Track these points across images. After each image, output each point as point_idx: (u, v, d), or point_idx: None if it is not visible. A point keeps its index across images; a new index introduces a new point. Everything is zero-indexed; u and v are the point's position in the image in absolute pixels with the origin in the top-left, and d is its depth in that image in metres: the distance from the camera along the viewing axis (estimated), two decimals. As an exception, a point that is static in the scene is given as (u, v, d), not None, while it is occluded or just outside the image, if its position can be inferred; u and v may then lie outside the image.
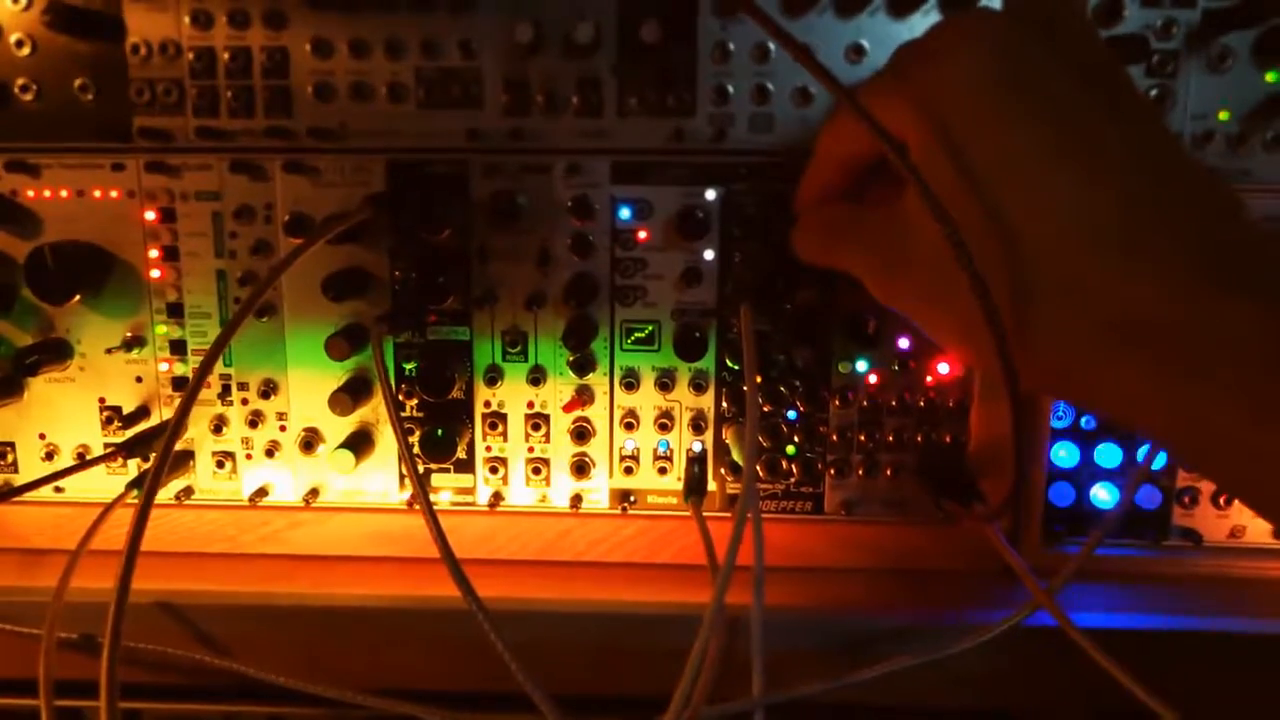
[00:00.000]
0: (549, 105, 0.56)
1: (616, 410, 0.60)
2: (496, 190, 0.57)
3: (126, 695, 0.53)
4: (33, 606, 0.51)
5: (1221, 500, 0.57)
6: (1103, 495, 0.57)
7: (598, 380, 0.59)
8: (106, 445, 0.61)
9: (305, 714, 0.53)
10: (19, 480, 0.61)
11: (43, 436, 0.61)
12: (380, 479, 0.61)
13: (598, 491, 0.61)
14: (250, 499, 0.61)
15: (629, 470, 0.60)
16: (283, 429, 0.61)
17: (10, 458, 0.62)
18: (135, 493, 0.56)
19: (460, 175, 0.57)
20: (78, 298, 0.57)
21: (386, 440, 0.60)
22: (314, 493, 0.61)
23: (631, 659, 0.51)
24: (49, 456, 0.61)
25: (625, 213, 0.57)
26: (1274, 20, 0.52)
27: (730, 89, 0.55)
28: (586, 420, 0.60)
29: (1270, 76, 0.53)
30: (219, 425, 0.61)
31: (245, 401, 0.60)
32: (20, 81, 0.56)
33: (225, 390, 0.60)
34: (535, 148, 0.56)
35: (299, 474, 0.61)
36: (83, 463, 0.59)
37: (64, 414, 0.61)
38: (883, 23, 0.54)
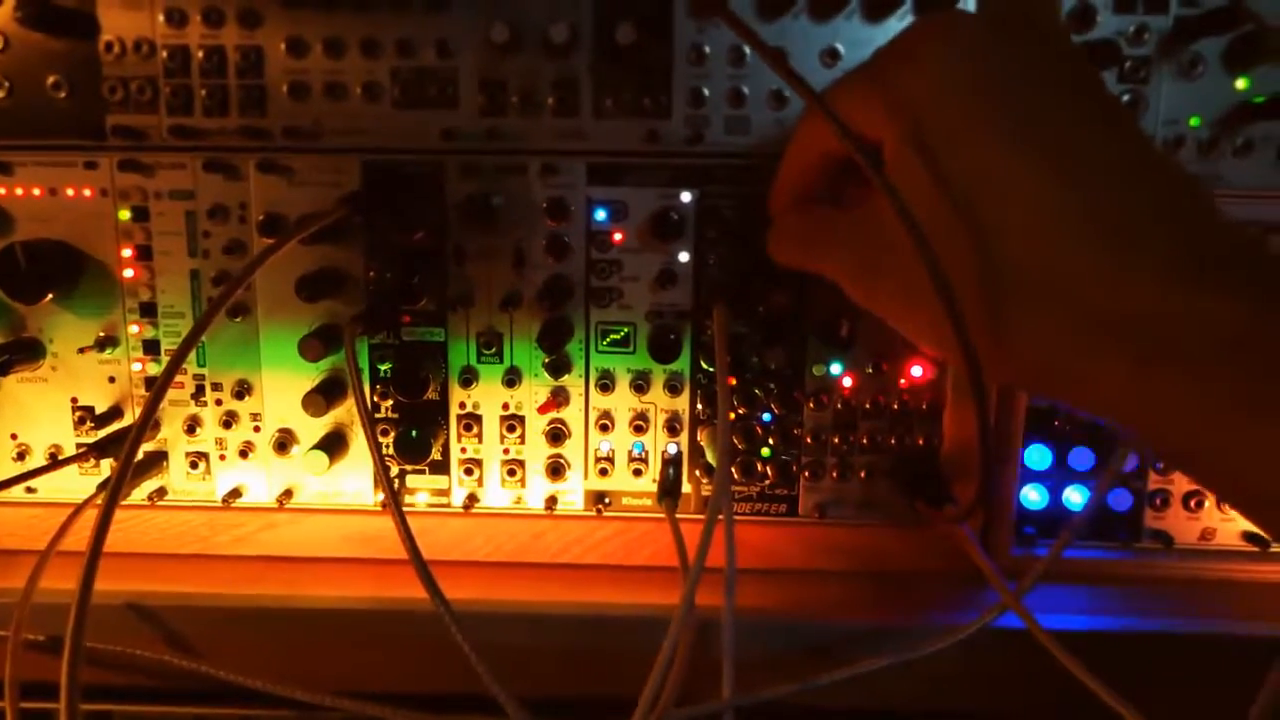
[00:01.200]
0: (525, 106, 0.56)
1: (592, 412, 0.60)
2: (472, 191, 0.56)
3: (96, 697, 0.52)
4: (1, 608, 0.51)
5: (1192, 503, 0.58)
6: (1075, 498, 0.58)
7: (573, 382, 0.59)
8: (79, 445, 0.60)
9: (276, 716, 0.53)
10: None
11: (14, 436, 0.61)
12: (355, 480, 0.61)
13: (573, 493, 0.61)
14: (224, 500, 0.61)
15: (604, 472, 0.60)
16: (257, 430, 0.60)
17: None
18: (117, 489, 0.56)
19: (435, 175, 0.57)
20: (50, 297, 0.57)
21: (361, 441, 0.60)
22: (288, 494, 0.61)
23: (606, 661, 0.51)
24: (20, 456, 0.61)
25: (601, 214, 0.57)
26: (1244, 27, 0.52)
27: (706, 91, 0.55)
28: (562, 422, 0.60)
29: (1241, 83, 0.53)
30: (192, 426, 0.60)
31: (219, 402, 0.60)
32: (-8, 77, 0.56)
33: (199, 390, 0.60)
34: (511, 148, 0.56)
35: (273, 475, 0.61)
36: (54, 463, 0.59)
37: (36, 414, 0.61)
38: (857, 26, 0.54)
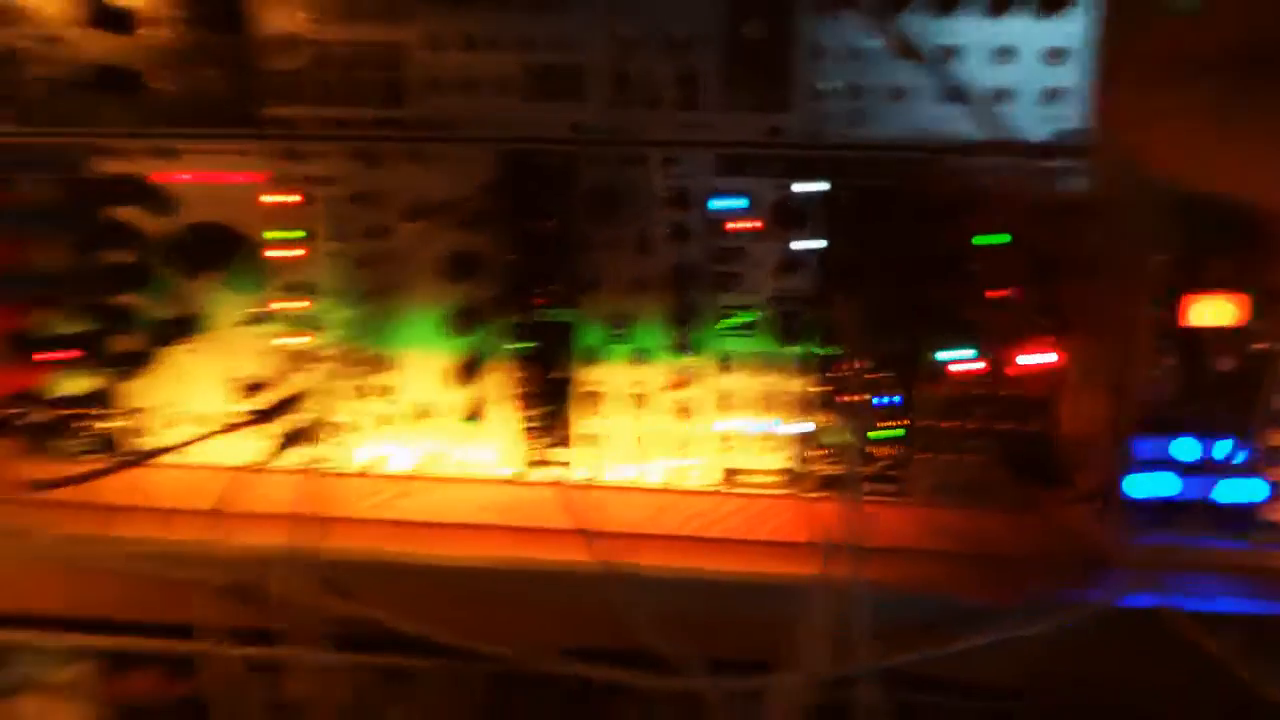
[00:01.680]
0: (651, 99, 0.58)
1: (717, 392, 0.62)
2: (601, 180, 0.59)
3: (261, 642, 0.57)
4: (176, 559, 0.56)
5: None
6: (1184, 488, 0.59)
7: (699, 362, 0.61)
8: (234, 414, 0.64)
9: (428, 665, 0.56)
10: (150, 445, 0.65)
11: (173, 405, 0.66)
12: (486, 452, 0.64)
13: (697, 470, 0.63)
14: (363, 468, 0.65)
15: (726, 450, 0.62)
16: (395, 403, 0.64)
17: (144, 424, 0.66)
18: (275, 454, 0.61)
19: (566, 165, 0.59)
20: (210, 275, 0.61)
21: (493, 416, 0.63)
22: (423, 464, 0.64)
23: (720, 627, 0.54)
24: (179, 424, 0.65)
25: (726, 203, 0.59)
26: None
27: (828, 85, 0.57)
28: (687, 401, 0.62)
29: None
30: (338, 397, 0.64)
31: (362, 375, 0.64)
32: (157, 69, 0.60)
33: (345, 364, 0.64)
34: (638, 140, 0.59)
35: (410, 446, 0.65)
36: (225, 428, 0.62)
37: (192, 384, 0.65)
38: (979, 21, 0.55)
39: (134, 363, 0.63)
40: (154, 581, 0.56)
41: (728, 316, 0.61)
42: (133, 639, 0.58)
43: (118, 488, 0.63)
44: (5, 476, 0.63)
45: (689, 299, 0.60)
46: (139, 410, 0.66)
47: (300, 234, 0.62)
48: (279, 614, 0.54)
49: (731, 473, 0.63)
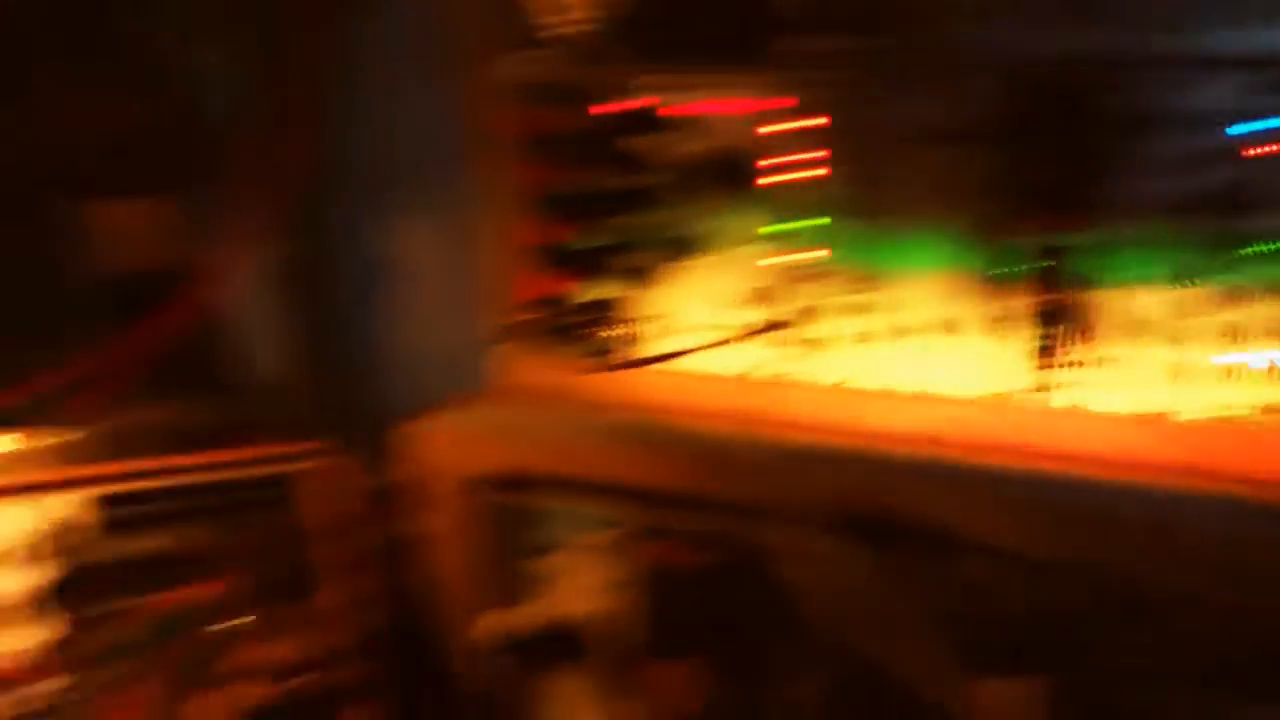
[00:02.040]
0: (1177, 20, 0.56)
1: (1229, 322, 0.58)
2: (1119, 102, 0.58)
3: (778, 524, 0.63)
4: (711, 446, 0.63)
5: None
6: None
7: (1217, 291, 0.58)
8: (736, 326, 0.70)
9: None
10: (653, 351, 0.73)
11: (674, 315, 0.73)
12: (966, 372, 0.65)
13: (1199, 401, 0.59)
14: (839, 382, 0.68)
15: (1233, 380, 0.59)
16: (883, 319, 0.67)
17: (647, 332, 0.74)
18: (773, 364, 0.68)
19: (1081, 88, 0.59)
20: (720, 197, 0.68)
21: (975, 337, 0.65)
22: (901, 379, 0.67)
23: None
24: (677, 333, 0.73)
25: (1255, 125, 0.56)
26: None
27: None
28: (1202, 329, 0.59)
29: None
30: (824, 313, 0.68)
31: (850, 292, 0.67)
32: (667, 15, 0.67)
33: (834, 281, 0.68)
34: (1159, 58, 0.56)
35: (889, 362, 0.67)
36: (730, 338, 0.70)
37: (692, 297, 0.72)
38: None
39: (646, 275, 0.72)
40: (685, 463, 0.64)
41: (1254, 243, 0.57)
42: (661, 512, 0.66)
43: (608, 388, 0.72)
44: (551, 365, 0.74)
45: (1212, 224, 0.58)
46: (652, 318, 0.74)
47: (808, 157, 0.67)
48: (802, 503, 0.60)
49: (1234, 406, 0.58)
